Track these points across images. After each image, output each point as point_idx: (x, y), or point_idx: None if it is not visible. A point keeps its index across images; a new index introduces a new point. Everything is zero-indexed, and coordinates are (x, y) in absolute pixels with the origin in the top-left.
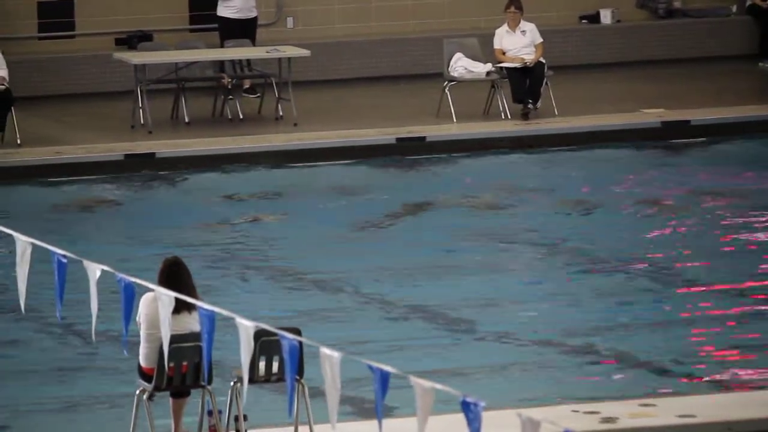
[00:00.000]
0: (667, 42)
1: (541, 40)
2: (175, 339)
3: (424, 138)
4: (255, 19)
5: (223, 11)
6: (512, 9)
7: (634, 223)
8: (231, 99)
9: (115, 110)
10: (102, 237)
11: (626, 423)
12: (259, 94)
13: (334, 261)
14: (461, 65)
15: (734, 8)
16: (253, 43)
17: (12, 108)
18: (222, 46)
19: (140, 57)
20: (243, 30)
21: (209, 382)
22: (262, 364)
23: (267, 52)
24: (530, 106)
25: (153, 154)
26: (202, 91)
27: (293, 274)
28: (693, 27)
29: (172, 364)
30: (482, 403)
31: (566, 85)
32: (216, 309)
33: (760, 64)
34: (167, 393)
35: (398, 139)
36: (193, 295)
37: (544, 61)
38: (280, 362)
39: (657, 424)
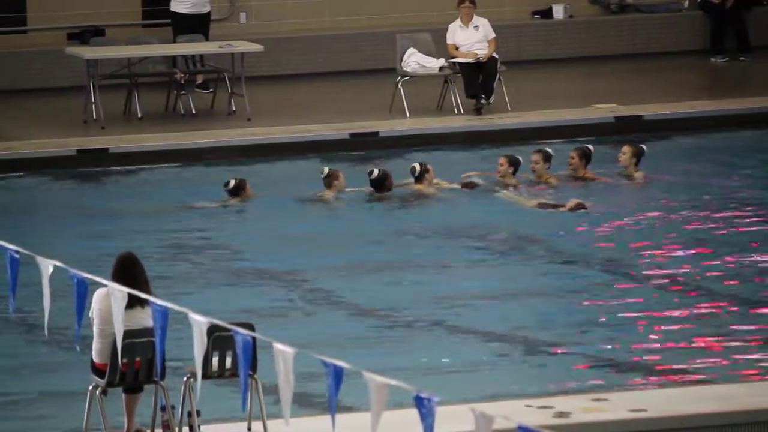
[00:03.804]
0: (619, 37)
1: (494, 35)
2: (128, 334)
3: (377, 133)
4: (208, 14)
5: (176, 6)
6: (466, 4)
7: (587, 219)
8: (184, 94)
9: (67, 105)
10: (54, 233)
11: (579, 417)
12: (211, 90)
13: (288, 258)
14: (414, 60)
15: (686, 3)
16: (207, 39)
17: None
18: (175, 42)
19: (93, 52)
20: (196, 25)
21: (162, 377)
22: (215, 360)
23: (219, 48)
24: (483, 101)
25: (106, 149)
26: (155, 86)
27: (247, 270)
28: (645, 22)
29: (125, 360)
30: (436, 399)
31: (519, 81)
32: (169, 304)
33: (712, 59)
34: (120, 389)
35: (351, 135)
36: (147, 290)
37: (497, 56)
38: (233, 358)
39: (609, 419)
